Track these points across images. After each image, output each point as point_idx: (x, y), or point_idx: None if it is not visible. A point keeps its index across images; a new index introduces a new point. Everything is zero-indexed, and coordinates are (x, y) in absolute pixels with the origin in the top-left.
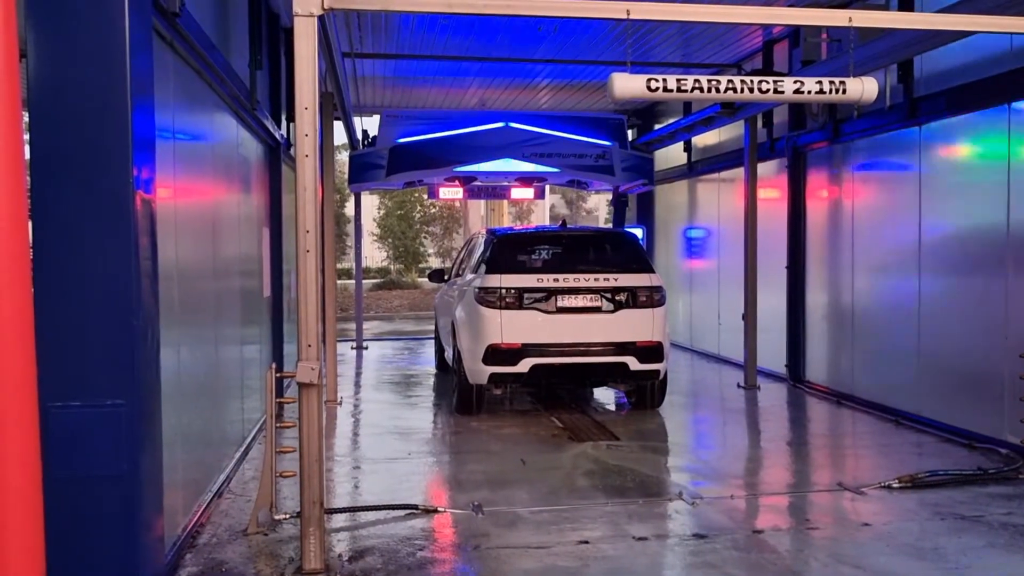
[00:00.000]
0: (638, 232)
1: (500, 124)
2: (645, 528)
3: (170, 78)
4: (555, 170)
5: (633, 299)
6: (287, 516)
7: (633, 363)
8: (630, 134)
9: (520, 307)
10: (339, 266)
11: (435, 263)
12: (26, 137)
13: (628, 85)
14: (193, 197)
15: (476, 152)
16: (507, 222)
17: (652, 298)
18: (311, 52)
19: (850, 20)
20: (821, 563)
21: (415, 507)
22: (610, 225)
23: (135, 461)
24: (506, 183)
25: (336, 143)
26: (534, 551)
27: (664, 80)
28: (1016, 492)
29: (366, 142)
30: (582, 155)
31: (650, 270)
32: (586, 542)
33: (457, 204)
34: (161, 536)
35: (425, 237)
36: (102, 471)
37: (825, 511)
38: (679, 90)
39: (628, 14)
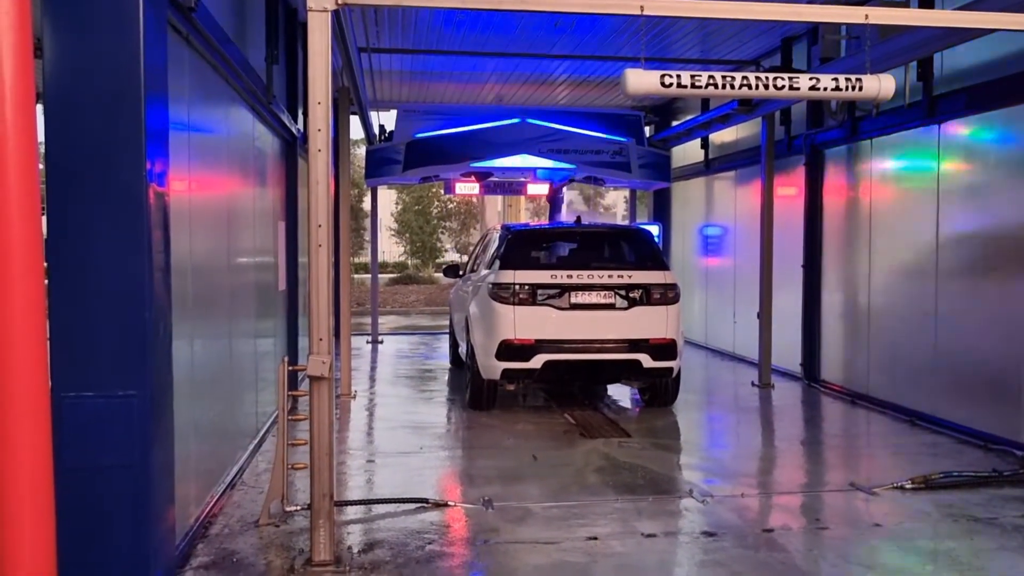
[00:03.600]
0: (654, 229)
1: (516, 120)
2: (654, 525)
3: (185, 72)
4: (571, 166)
5: (647, 296)
6: (298, 508)
7: (646, 360)
8: (647, 131)
9: (533, 303)
10: (356, 260)
11: (452, 258)
12: (41, 130)
13: (642, 81)
14: (208, 190)
15: (492, 148)
16: (524, 218)
17: (666, 295)
18: (324, 47)
19: (867, 17)
20: (830, 563)
21: (425, 501)
22: (627, 221)
23: (146, 451)
24: (522, 179)
25: (353, 138)
26: (543, 546)
27: (678, 76)
28: None
29: (383, 137)
30: (599, 151)
31: (665, 267)
32: (595, 538)
33: (474, 200)
34: (172, 526)
35: (442, 232)
36: (114, 461)
37: (836, 511)
38: (693, 86)
39: (642, 10)
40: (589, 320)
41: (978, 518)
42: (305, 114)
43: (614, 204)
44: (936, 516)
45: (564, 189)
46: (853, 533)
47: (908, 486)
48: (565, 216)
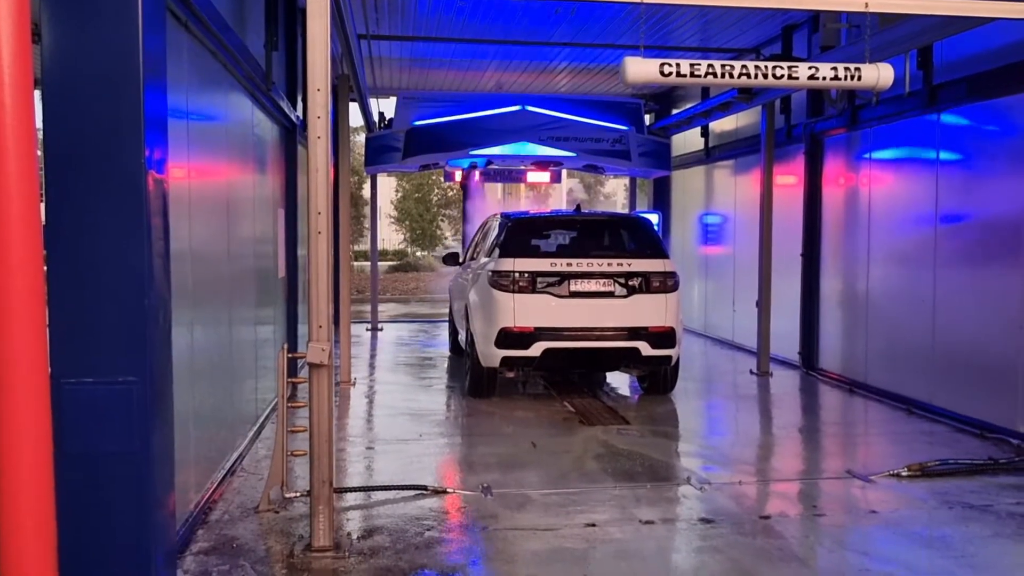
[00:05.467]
0: (654, 217)
1: (517, 107)
2: (652, 512)
3: (184, 59)
4: (571, 154)
5: (646, 284)
6: (298, 495)
7: (645, 348)
8: (647, 119)
9: (533, 291)
10: (356, 248)
11: (451, 246)
12: (39, 117)
13: (641, 69)
14: (207, 178)
15: (492, 135)
16: (524, 206)
17: (665, 283)
18: (323, 33)
19: (867, 5)
20: (827, 549)
21: (424, 488)
22: (626, 209)
23: (147, 438)
24: (522, 167)
25: (353, 125)
26: (542, 533)
27: (677, 65)
28: None
29: (383, 124)
30: (599, 139)
31: (664, 255)
32: (593, 525)
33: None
34: (172, 512)
35: (442, 220)
36: (114, 447)
37: (833, 498)
38: (692, 75)
39: None
40: (588, 308)
41: (973, 505)
42: (304, 101)
43: (614, 192)
44: (932, 503)
45: (479, 175)
46: (849, 520)
47: (904, 474)
48: (482, 204)
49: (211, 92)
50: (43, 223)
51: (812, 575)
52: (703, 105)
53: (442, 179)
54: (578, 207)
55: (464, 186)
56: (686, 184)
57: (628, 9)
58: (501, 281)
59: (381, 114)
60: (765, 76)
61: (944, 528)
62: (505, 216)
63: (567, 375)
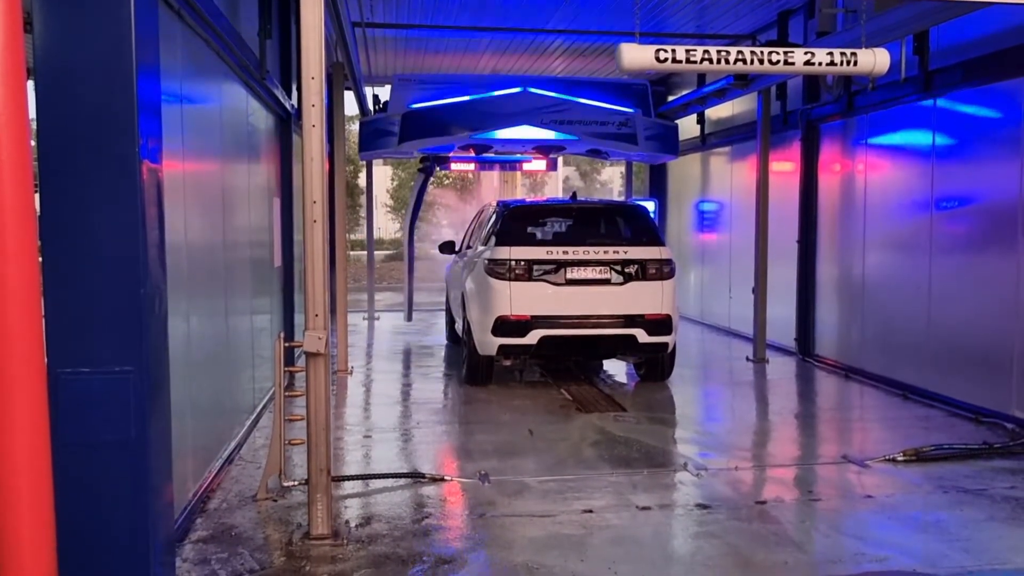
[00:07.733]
0: (650, 205)
1: (518, 89)
2: (649, 498)
3: (177, 47)
4: (575, 138)
5: (643, 272)
6: (296, 483)
7: (642, 335)
8: None
9: (529, 279)
10: (352, 237)
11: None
12: (32, 107)
13: (637, 56)
14: (202, 167)
15: (493, 119)
16: (520, 194)
17: (662, 271)
18: (317, 21)
19: None
20: (822, 534)
21: (422, 475)
22: (622, 197)
23: (144, 427)
24: (522, 152)
25: (348, 114)
26: (539, 519)
27: (673, 51)
28: (1020, 466)
29: (377, 107)
30: (604, 122)
31: (660, 243)
32: (590, 511)
33: (470, 175)
34: (171, 501)
35: (438, 209)
36: (111, 437)
37: (829, 483)
38: (688, 61)
39: None
40: (585, 296)
41: (968, 490)
42: (299, 89)
43: (610, 180)
44: (927, 488)
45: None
46: (845, 505)
47: (900, 458)
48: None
49: (205, 81)
50: (38, 213)
51: (808, 560)
52: (699, 92)
53: (437, 167)
54: (574, 195)
55: (423, 170)
56: (682, 171)
57: None
58: (497, 269)
59: (376, 96)
60: (761, 62)
61: (939, 512)
62: (501, 204)
63: (564, 363)
